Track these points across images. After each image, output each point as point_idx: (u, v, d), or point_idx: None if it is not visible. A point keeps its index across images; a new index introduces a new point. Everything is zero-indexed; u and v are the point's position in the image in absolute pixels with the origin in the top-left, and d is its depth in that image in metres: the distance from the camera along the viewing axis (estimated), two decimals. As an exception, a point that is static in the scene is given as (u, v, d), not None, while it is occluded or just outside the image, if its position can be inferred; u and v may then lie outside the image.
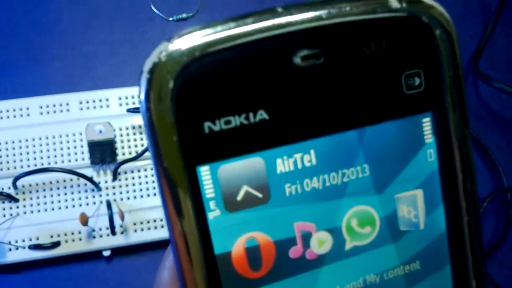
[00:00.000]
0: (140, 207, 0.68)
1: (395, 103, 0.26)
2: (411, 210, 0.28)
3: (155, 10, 0.73)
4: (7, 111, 0.68)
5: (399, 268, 0.28)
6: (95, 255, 0.67)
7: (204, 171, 0.25)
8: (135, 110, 0.69)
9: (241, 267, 0.26)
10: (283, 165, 0.26)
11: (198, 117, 0.25)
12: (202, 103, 0.24)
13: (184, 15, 0.75)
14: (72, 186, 0.67)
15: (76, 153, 0.68)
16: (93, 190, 0.67)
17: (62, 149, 0.68)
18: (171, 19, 0.73)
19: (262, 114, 0.25)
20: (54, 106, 0.69)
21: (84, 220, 0.64)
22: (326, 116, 0.26)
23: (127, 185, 0.69)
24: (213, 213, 0.25)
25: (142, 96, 0.25)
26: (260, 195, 0.26)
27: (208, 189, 0.25)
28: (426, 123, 0.27)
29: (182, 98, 0.24)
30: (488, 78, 0.73)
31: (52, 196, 0.67)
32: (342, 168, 0.26)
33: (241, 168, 0.25)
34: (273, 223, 0.26)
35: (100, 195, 0.68)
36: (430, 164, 0.28)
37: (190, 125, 0.24)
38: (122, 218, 0.65)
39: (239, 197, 0.25)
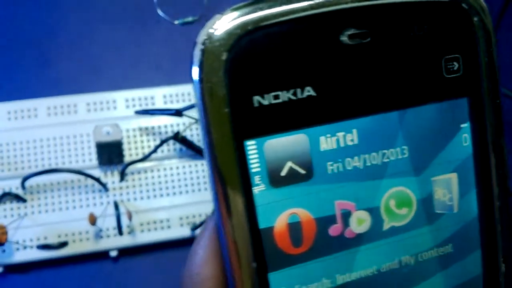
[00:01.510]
0: (147, 207, 0.68)
1: (434, 86, 0.26)
2: (446, 193, 0.28)
3: (161, 13, 0.73)
4: (15, 112, 0.68)
5: (433, 250, 0.28)
6: (102, 255, 0.67)
7: (250, 146, 0.25)
8: (143, 112, 0.69)
9: (283, 243, 0.26)
10: (326, 143, 0.25)
11: (248, 90, 0.24)
12: (253, 77, 0.24)
13: (190, 19, 0.75)
14: (79, 187, 0.67)
15: (83, 154, 0.68)
16: (100, 191, 0.67)
17: (70, 150, 0.68)
18: (176, 22, 0.73)
19: (309, 91, 0.25)
20: (62, 107, 0.69)
21: (93, 220, 0.63)
22: (369, 96, 0.26)
23: (134, 186, 0.68)
24: (258, 188, 0.25)
25: (196, 68, 0.24)
26: (303, 172, 0.26)
27: (254, 164, 0.25)
28: (463, 108, 0.27)
29: (235, 70, 0.24)
30: None
31: (60, 196, 0.66)
32: (382, 149, 0.26)
33: (286, 144, 0.25)
34: (315, 200, 0.26)
35: (108, 196, 0.67)
36: (465, 149, 0.28)
37: (241, 98, 0.24)
38: (130, 218, 0.65)
39: (283, 173, 0.25)
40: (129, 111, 0.70)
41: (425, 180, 0.27)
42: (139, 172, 0.69)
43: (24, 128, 0.68)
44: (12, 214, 0.65)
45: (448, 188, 0.28)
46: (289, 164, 0.25)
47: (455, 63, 0.27)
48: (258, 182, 0.25)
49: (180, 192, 0.69)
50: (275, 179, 0.25)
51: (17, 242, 0.64)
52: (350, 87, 0.25)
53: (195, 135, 0.70)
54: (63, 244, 0.65)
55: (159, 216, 0.68)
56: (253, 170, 0.25)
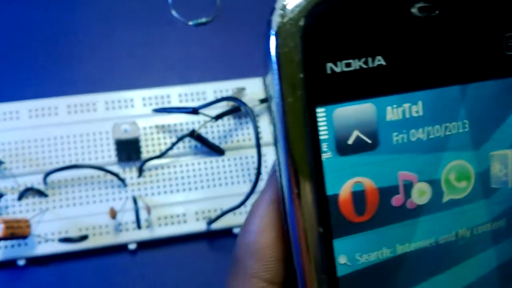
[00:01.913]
0: (164, 202, 0.68)
1: (496, 63, 0.27)
2: (502, 168, 0.28)
3: (175, 15, 0.74)
4: (36, 110, 0.69)
5: (488, 224, 0.28)
6: (121, 248, 0.68)
7: (320, 112, 0.25)
8: (161, 110, 0.70)
9: (347, 210, 0.26)
10: (392, 113, 0.26)
11: (322, 57, 0.24)
12: (327, 44, 0.24)
13: (203, 20, 0.76)
14: (99, 182, 0.67)
15: (103, 151, 0.69)
16: (119, 186, 0.68)
17: (89, 147, 0.69)
18: (190, 23, 0.74)
19: (380, 60, 0.25)
20: (82, 106, 0.70)
21: (113, 214, 0.64)
22: (434, 69, 0.26)
23: (151, 182, 0.69)
24: (326, 155, 0.25)
25: (273, 33, 0.24)
26: (369, 141, 0.26)
27: (323, 131, 0.25)
28: None
29: (311, 36, 0.24)
30: None
31: (80, 191, 0.67)
32: (445, 122, 0.26)
33: (354, 112, 0.25)
34: (379, 170, 0.26)
35: (126, 191, 0.68)
36: None
37: (315, 64, 0.24)
38: (149, 212, 0.66)
39: (350, 141, 0.25)
40: (146, 109, 0.71)
41: (483, 155, 0.28)
42: (156, 168, 0.69)
43: (45, 125, 0.68)
44: (34, 208, 0.66)
45: (504, 163, 0.28)
46: (356, 132, 0.25)
47: None
48: (326, 149, 0.25)
49: (196, 188, 0.69)
50: (342, 147, 0.25)
51: (39, 236, 0.64)
52: (417, 59, 0.26)
53: (210, 132, 0.71)
54: (84, 238, 0.65)
55: (175, 210, 0.68)
56: (322, 137, 0.25)
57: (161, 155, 0.69)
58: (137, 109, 0.71)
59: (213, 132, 0.71)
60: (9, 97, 0.69)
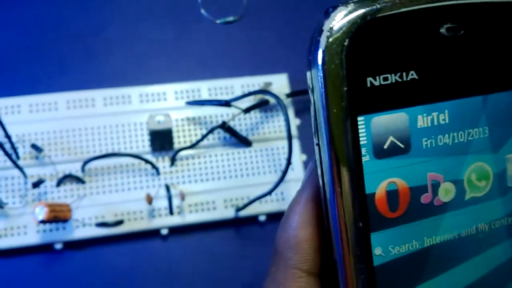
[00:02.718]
0: (195, 190, 0.70)
1: None
2: None
3: (203, 13, 0.75)
4: (74, 101, 0.70)
5: (504, 219, 0.30)
6: (154, 233, 0.69)
7: (360, 121, 0.27)
8: (194, 103, 0.71)
9: (382, 207, 0.28)
10: (422, 121, 0.27)
11: (363, 72, 0.26)
12: (367, 60, 0.26)
13: (231, 18, 0.77)
14: (134, 170, 0.69)
15: (137, 141, 0.70)
16: (152, 175, 0.69)
17: (124, 137, 0.70)
18: (218, 21, 0.75)
19: (412, 74, 0.27)
20: (117, 98, 0.71)
21: (150, 200, 0.66)
22: (459, 82, 0.28)
23: (183, 171, 0.70)
24: (365, 158, 0.27)
25: (321, 51, 0.26)
26: (402, 146, 0.27)
27: (362, 137, 0.27)
28: None
29: (353, 54, 0.26)
30: None
31: (116, 179, 0.69)
32: (468, 128, 0.28)
33: (389, 121, 0.27)
34: (410, 171, 0.28)
35: (159, 179, 0.70)
36: None
37: (357, 78, 0.26)
38: (183, 198, 0.67)
39: (385, 146, 0.27)
40: (178, 102, 0.73)
41: (501, 157, 0.29)
42: (187, 158, 0.71)
43: (82, 116, 0.70)
44: (72, 195, 0.67)
45: None
46: (391, 138, 0.27)
47: None
48: (365, 153, 0.27)
49: (225, 177, 0.71)
50: (378, 151, 0.27)
51: (77, 220, 0.66)
52: (445, 73, 0.27)
53: (238, 125, 0.72)
54: (119, 223, 0.67)
55: (205, 198, 0.70)
56: (362, 143, 0.27)
57: (192, 145, 0.70)
58: (169, 102, 0.72)
59: (240, 124, 0.73)
60: (49, 89, 0.71)
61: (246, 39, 0.78)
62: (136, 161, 0.69)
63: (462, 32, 0.27)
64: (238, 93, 0.72)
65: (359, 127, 0.27)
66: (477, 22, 0.28)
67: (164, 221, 0.68)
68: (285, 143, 0.71)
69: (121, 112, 0.71)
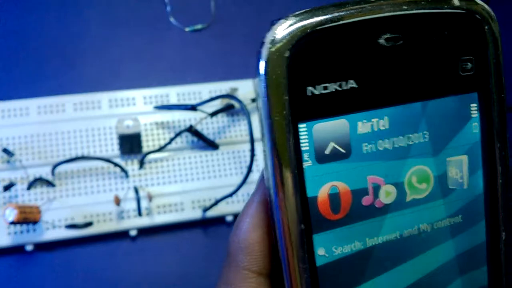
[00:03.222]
0: (163, 192, 0.71)
1: (452, 82, 0.29)
2: (458, 172, 0.30)
3: (173, 21, 0.76)
4: (45, 107, 0.70)
5: (446, 220, 0.31)
6: (123, 234, 0.70)
7: (302, 128, 0.27)
8: (163, 107, 0.72)
9: (325, 210, 0.28)
10: (362, 127, 0.28)
11: (304, 82, 0.27)
12: (308, 71, 0.27)
13: (199, 26, 0.78)
14: (103, 173, 0.69)
15: (106, 145, 0.71)
16: (121, 177, 0.70)
17: (94, 141, 0.71)
18: (187, 29, 0.76)
19: (352, 83, 0.27)
20: (87, 103, 0.72)
21: (118, 201, 0.66)
22: (399, 89, 0.29)
23: (151, 173, 0.71)
24: (307, 163, 0.28)
25: (263, 62, 0.27)
26: (343, 151, 0.28)
27: (304, 143, 0.28)
28: (473, 101, 0.30)
29: (294, 65, 0.27)
30: None
31: (85, 182, 0.69)
32: (407, 133, 0.29)
33: (330, 127, 0.28)
34: (351, 175, 0.29)
35: (128, 182, 0.70)
36: (474, 135, 0.30)
37: (297, 88, 0.27)
38: (151, 199, 0.68)
39: (327, 151, 0.28)
40: (147, 107, 0.73)
41: (441, 161, 0.30)
42: (156, 161, 0.71)
43: (53, 121, 0.70)
44: (42, 197, 0.68)
45: (459, 167, 0.30)
46: (332, 144, 0.28)
47: (469, 63, 0.29)
48: (307, 159, 0.28)
49: (192, 179, 0.72)
50: (320, 156, 0.28)
51: (47, 222, 0.66)
52: (384, 81, 0.28)
53: (205, 129, 0.73)
54: (89, 224, 0.67)
55: (173, 200, 0.71)
56: (303, 149, 0.28)
57: (161, 149, 0.71)
58: (138, 107, 0.73)
59: (208, 128, 0.73)
60: (20, 95, 0.71)
61: (214, 46, 0.79)
62: (105, 164, 0.69)
63: (401, 42, 0.28)
64: (206, 98, 0.73)
65: (300, 133, 0.28)
66: (415, 32, 0.29)
67: (133, 223, 0.69)
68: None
69: (91, 117, 0.71)
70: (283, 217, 0.28)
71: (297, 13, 0.27)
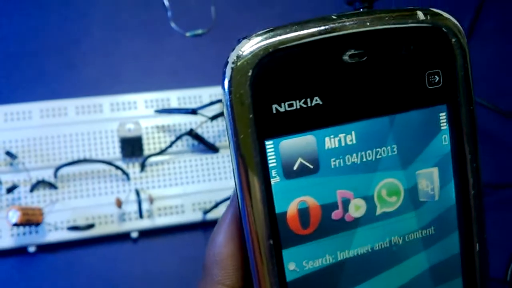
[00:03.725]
0: (164, 195, 0.71)
1: (419, 95, 0.29)
2: (429, 184, 0.30)
3: (174, 26, 0.76)
4: (47, 110, 0.71)
5: (418, 232, 0.31)
6: (124, 236, 0.70)
7: (269, 145, 0.28)
8: (163, 111, 0.72)
9: (294, 225, 0.28)
10: (330, 142, 0.28)
11: (268, 99, 0.27)
12: (272, 89, 0.27)
13: (200, 31, 0.78)
14: (105, 176, 0.70)
15: (108, 148, 0.71)
16: (123, 180, 0.70)
17: (96, 144, 0.71)
18: (187, 34, 0.76)
19: (317, 100, 0.28)
20: (89, 107, 0.72)
21: (119, 203, 0.67)
22: (365, 104, 0.28)
23: (152, 176, 0.71)
24: (275, 180, 0.28)
25: (227, 81, 0.27)
26: (311, 166, 0.28)
27: (271, 160, 0.28)
28: (442, 113, 0.30)
29: (258, 84, 0.27)
30: None
31: (87, 184, 0.70)
32: (375, 147, 0.29)
33: (297, 143, 0.28)
34: (320, 190, 0.29)
35: (130, 184, 0.70)
36: (444, 147, 0.30)
37: (262, 106, 0.27)
38: (152, 202, 0.68)
39: (295, 167, 0.28)
40: (148, 110, 0.73)
41: (411, 173, 0.30)
42: (157, 164, 0.72)
43: (55, 124, 0.71)
44: (45, 200, 0.68)
45: (430, 180, 0.30)
46: (300, 160, 0.28)
47: (436, 76, 0.29)
48: (275, 175, 0.28)
49: (193, 182, 0.72)
50: (288, 172, 0.28)
51: (49, 224, 0.67)
52: (350, 97, 0.28)
53: (205, 132, 0.73)
54: (90, 226, 0.68)
55: (174, 202, 0.71)
56: (271, 165, 0.28)
57: (161, 152, 0.71)
58: (140, 110, 0.73)
59: (208, 132, 0.73)
60: (22, 99, 0.71)
61: (214, 51, 0.79)
62: (107, 167, 0.70)
63: (366, 58, 0.29)
64: (206, 102, 0.73)
65: (267, 150, 0.28)
66: (380, 47, 0.29)
67: (134, 225, 0.69)
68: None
69: (93, 121, 0.72)
70: (252, 232, 0.28)
71: (260, 32, 0.27)
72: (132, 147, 0.70)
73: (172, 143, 0.71)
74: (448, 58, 0.30)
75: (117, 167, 0.69)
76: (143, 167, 0.71)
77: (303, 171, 0.28)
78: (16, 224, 0.61)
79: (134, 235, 0.69)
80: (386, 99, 0.29)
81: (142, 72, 0.76)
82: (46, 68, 0.74)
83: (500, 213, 0.79)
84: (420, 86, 0.29)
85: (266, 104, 0.27)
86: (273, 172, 0.28)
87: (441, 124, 0.30)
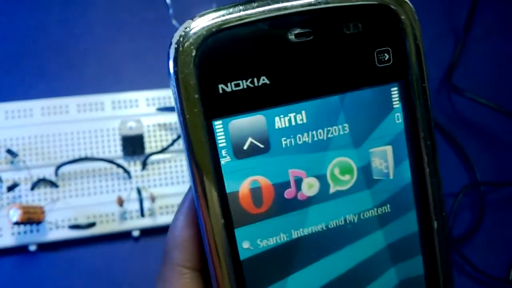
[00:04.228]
0: (165, 193, 0.72)
1: (369, 74, 0.30)
2: (382, 162, 0.31)
3: (175, 24, 0.77)
4: (48, 108, 0.72)
5: (373, 210, 0.31)
6: (126, 235, 0.71)
7: (217, 125, 0.28)
8: (165, 109, 0.73)
9: (247, 204, 0.29)
10: (280, 122, 0.29)
11: (214, 79, 0.28)
12: (217, 68, 0.28)
13: (202, 29, 0.79)
14: (106, 174, 0.71)
15: (109, 146, 0.72)
16: (124, 178, 0.71)
17: (97, 142, 0.72)
18: (190, 31, 0.77)
19: (264, 79, 0.28)
20: (90, 105, 0.73)
21: (121, 202, 0.67)
22: (315, 83, 0.29)
23: (154, 174, 0.72)
24: (225, 159, 0.29)
25: (171, 62, 0.28)
26: (262, 146, 0.29)
27: (220, 139, 0.28)
28: (394, 91, 0.30)
29: (202, 64, 0.28)
30: (461, 90, 0.80)
31: (88, 182, 0.70)
32: (327, 126, 0.29)
33: (247, 123, 0.29)
34: (272, 169, 0.29)
35: (131, 183, 0.71)
36: (398, 125, 0.31)
37: (208, 86, 0.28)
38: (154, 200, 0.69)
39: (245, 147, 0.29)
40: (149, 108, 0.74)
41: (364, 152, 0.31)
42: (158, 162, 0.72)
43: (56, 122, 0.72)
44: (46, 198, 0.69)
45: (384, 158, 0.31)
46: (250, 139, 0.29)
47: (385, 54, 0.30)
48: (225, 155, 0.29)
49: (194, 180, 0.72)
50: (239, 152, 0.29)
51: (51, 223, 0.67)
52: (298, 76, 0.29)
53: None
54: (92, 225, 0.68)
55: (176, 200, 0.72)
56: (220, 145, 0.28)
57: (163, 150, 0.72)
58: (141, 108, 0.74)
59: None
60: (23, 96, 0.72)
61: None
62: (108, 165, 0.70)
63: (312, 37, 0.29)
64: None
65: (216, 130, 0.28)
66: (326, 26, 0.29)
67: (135, 223, 0.70)
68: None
69: (94, 118, 0.72)
70: (204, 213, 0.29)
71: (203, 12, 0.28)
72: (133, 145, 0.71)
73: (174, 141, 0.72)
74: (398, 36, 0.30)
75: (119, 165, 0.70)
76: (144, 165, 0.71)
77: (254, 151, 0.29)
78: (17, 223, 0.62)
79: (136, 233, 0.70)
80: (336, 78, 0.29)
81: (144, 70, 0.76)
82: (47, 66, 0.75)
83: (502, 212, 0.78)
84: (369, 64, 0.30)
85: (212, 84, 0.28)
86: (223, 152, 0.29)
87: (394, 103, 0.30)
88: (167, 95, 0.74)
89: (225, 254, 0.29)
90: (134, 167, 0.71)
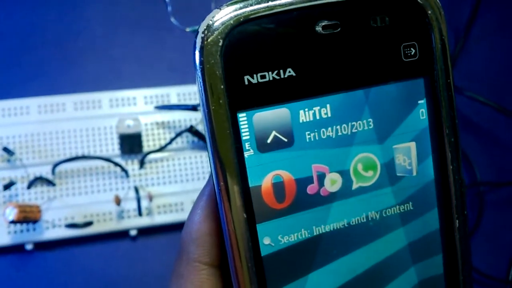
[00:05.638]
0: (163, 192, 0.72)
1: (395, 68, 0.30)
2: (406, 159, 0.31)
3: (174, 21, 0.77)
4: (45, 106, 0.72)
5: (395, 207, 0.31)
6: (123, 234, 0.71)
7: (242, 117, 0.28)
8: (163, 107, 0.73)
9: (269, 199, 0.29)
10: (304, 115, 0.29)
11: (240, 70, 0.28)
12: (243, 59, 0.28)
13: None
14: (103, 173, 0.71)
15: (107, 144, 0.72)
16: (122, 177, 0.71)
17: (94, 140, 0.72)
18: (188, 29, 0.76)
19: (290, 71, 0.28)
20: (88, 103, 0.73)
21: (118, 201, 0.68)
22: (340, 76, 0.29)
23: (152, 173, 0.72)
24: (248, 153, 0.29)
25: (197, 52, 0.28)
26: (285, 140, 0.29)
27: (244, 132, 0.29)
28: (419, 87, 0.31)
29: (229, 54, 0.28)
30: (461, 89, 0.80)
31: (85, 181, 0.71)
32: (351, 121, 0.30)
33: (271, 116, 0.29)
34: (295, 163, 0.30)
35: (129, 182, 0.71)
36: (422, 121, 0.31)
37: (234, 77, 0.28)
38: (151, 199, 0.69)
39: (269, 140, 0.29)
40: (147, 106, 0.74)
41: (388, 148, 0.31)
42: (156, 161, 0.73)
43: (53, 120, 0.72)
44: (42, 196, 0.69)
45: (407, 154, 0.31)
46: (274, 133, 0.29)
47: (412, 49, 0.30)
48: (248, 148, 0.29)
49: (193, 179, 0.73)
50: (262, 146, 0.29)
51: (47, 221, 0.68)
52: (324, 69, 0.29)
53: (207, 128, 0.74)
54: (89, 224, 0.69)
55: (173, 200, 0.72)
56: (244, 138, 0.29)
57: (161, 149, 0.72)
58: (139, 106, 0.74)
59: (209, 128, 0.75)
60: (20, 94, 0.72)
61: (215, 46, 0.80)
62: (105, 163, 0.71)
63: (339, 29, 0.29)
64: (207, 98, 0.74)
65: (240, 123, 0.28)
66: (354, 18, 0.29)
67: (133, 222, 0.70)
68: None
69: (91, 117, 0.73)
70: (225, 207, 0.29)
71: (231, 1, 0.28)
72: (131, 143, 0.71)
73: (172, 139, 0.72)
74: (424, 31, 0.30)
75: (116, 164, 0.70)
76: (142, 164, 0.71)
77: (277, 145, 0.29)
78: (13, 222, 0.62)
79: (133, 233, 0.70)
80: (361, 72, 0.30)
81: (142, 67, 0.77)
82: (44, 63, 0.75)
83: (502, 212, 0.79)
84: (396, 58, 0.30)
85: (238, 75, 0.28)
86: (247, 145, 0.29)
87: (419, 98, 0.31)
88: (165, 93, 0.74)
89: (246, 250, 0.30)
90: (132, 165, 0.72)
